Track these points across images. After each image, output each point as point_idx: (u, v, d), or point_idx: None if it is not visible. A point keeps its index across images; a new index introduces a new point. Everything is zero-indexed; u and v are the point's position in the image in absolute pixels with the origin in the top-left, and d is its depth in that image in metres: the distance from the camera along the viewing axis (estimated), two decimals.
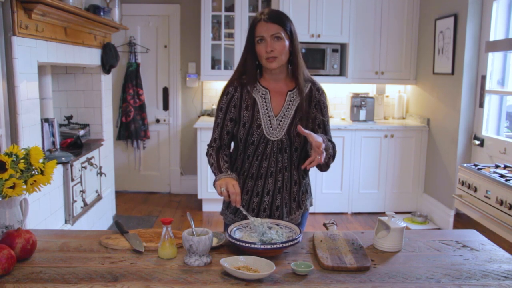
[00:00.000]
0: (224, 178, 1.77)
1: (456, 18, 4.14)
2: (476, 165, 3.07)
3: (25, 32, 2.65)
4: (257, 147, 1.85)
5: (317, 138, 1.68)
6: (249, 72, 1.86)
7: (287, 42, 1.80)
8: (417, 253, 1.60)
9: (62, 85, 4.03)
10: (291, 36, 1.81)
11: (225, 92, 1.90)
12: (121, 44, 5.14)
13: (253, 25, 1.81)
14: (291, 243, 1.52)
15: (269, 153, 1.85)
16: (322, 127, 1.91)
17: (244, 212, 1.72)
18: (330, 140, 1.89)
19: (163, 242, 1.51)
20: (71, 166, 3.27)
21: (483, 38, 3.95)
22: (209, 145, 1.95)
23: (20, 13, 2.57)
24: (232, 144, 1.97)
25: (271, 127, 1.84)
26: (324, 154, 1.68)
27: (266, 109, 1.85)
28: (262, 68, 1.89)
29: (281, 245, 1.50)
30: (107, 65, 4.03)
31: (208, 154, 1.93)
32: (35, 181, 1.53)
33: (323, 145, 1.66)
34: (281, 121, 1.84)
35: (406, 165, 4.83)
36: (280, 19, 1.80)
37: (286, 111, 1.85)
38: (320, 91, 1.91)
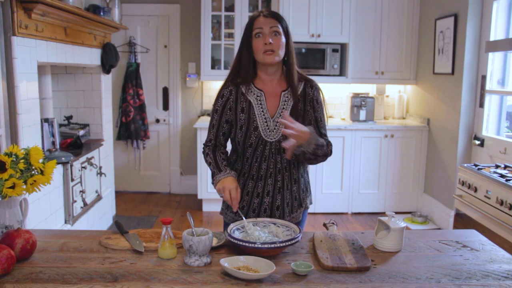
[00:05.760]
0: (222, 181, 1.80)
1: (456, 18, 4.13)
2: (476, 165, 3.06)
3: (25, 32, 2.64)
4: (256, 149, 1.85)
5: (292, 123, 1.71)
6: (244, 69, 1.86)
7: (284, 39, 1.83)
8: (417, 253, 1.60)
9: (62, 85, 4.03)
10: (287, 35, 1.85)
11: (220, 94, 1.92)
12: (121, 44, 5.13)
13: (251, 20, 1.85)
14: (292, 241, 1.53)
15: (267, 155, 1.85)
16: (314, 123, 1.89)
17: (242, 217, 1.74)
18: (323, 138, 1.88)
19: (163, 242, 1.51)
20: (71, 166, 3.26)
21: (483, 38, 3.94)
22: (205, 144, 1.96)
23: (20, 13, 2.57)
24: (230, 146, 1.97)
25: (268, 129, 1.84)
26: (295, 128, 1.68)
27: (262, 111, 1.85)
28: (256, 68, 1.89)
29: (281, 244, 1.50)
30: (107, 65, 4.03)
31: (204, 153, 1.94)
32: (35, 181, 1.53)
33: (295, 125, 1.69)
34: (277, 122, 1.84)
35: (406, 165, 4.82)
36: (278, 16, 1.84)
37: (281, 112, 1.85)
38: (313, 87, 1.91)
